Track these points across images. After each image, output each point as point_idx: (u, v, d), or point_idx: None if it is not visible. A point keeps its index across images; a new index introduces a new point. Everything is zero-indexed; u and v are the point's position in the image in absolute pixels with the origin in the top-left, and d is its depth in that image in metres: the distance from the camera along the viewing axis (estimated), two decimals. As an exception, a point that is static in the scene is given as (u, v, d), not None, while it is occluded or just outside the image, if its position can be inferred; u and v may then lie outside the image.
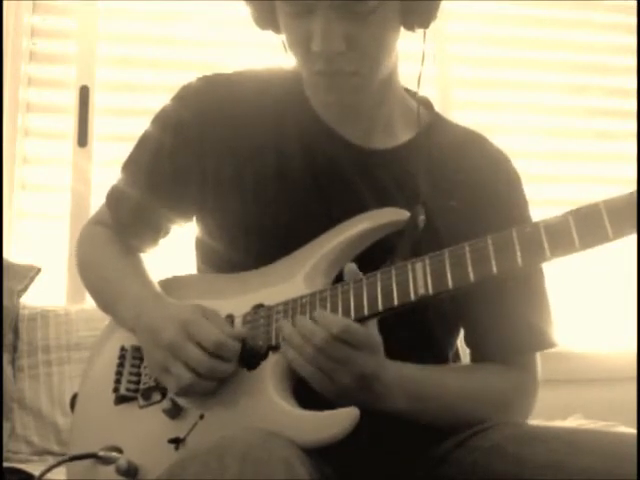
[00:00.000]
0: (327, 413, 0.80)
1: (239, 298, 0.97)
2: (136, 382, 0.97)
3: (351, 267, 0.89)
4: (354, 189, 0.99)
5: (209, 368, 0.86)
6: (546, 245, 0.77)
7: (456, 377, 0.99)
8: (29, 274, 1.94)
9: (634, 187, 0.75)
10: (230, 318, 0.95)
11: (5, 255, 1.95)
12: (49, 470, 0.91)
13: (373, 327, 0.86)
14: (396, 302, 0.83)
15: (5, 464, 1.49)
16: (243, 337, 0.90)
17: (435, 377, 0.95)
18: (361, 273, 0.88)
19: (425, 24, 0.96)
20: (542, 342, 1.02)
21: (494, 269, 0.79)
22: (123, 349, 1.01)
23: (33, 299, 1.96)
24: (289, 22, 0.92)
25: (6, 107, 2.21)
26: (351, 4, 0.87)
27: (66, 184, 2.25)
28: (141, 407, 0.95)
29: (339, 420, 0.79)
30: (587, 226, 0.75)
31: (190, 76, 1.08)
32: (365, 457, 0.92)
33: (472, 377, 1.00)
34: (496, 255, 0.79)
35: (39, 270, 1.96)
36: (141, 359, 0.97)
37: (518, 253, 0.78)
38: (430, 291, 0.82)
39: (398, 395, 0.88)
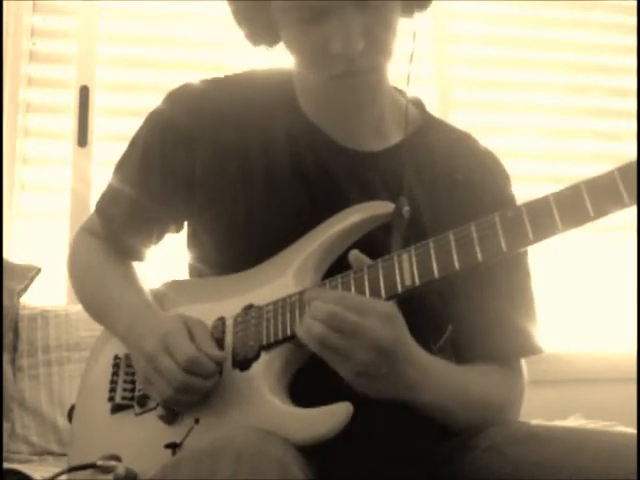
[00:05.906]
0: (320, 409, 0.80)
1: (230, 300, 0.96)
2: (131, 390, 0.97)
3: (355, 254, 0.87)
4: (343, 191, 0.99)
5: (182, 383, 0.86)
6: (529, 227, 0.77)
7: (472, 378, 0.96)
8: (29, 274, 1.94)
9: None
10: (221, 320, 0.95)
11: (5, 255, 1.95)
12: (48, 482, 0.91)
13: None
14: (384, 295, 0.83)
15: (5, 464, 1.48)
16: (220, 361, 0.88)
17: (458, 375, 0.93)
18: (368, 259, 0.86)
19: (424, 5, 0.96)
20: (530, 348, 1.01)
21: (478, 255, 0.79)
22: (117, 358, 1.01)
23: (33, 299, 1.97)
24: (299, 29, 0.90)
25: (6, 107, 2.21)
26: None
27: (66, 184, 2.25)
28: (137, 414, 0.95)
29: (332, 416, 0.78)
30: (568, 206, 0.75)
31: (190, 76, 1.08)
32: (364, 457, 0.91)
33: (481, 379, 0.97)
34: (480, 241, 0.79)
35: (39, 270, 1.96)
36: None
37: (501, 237, 0.78)
38: (417, 281, 0.81)
39: (428, 385, 0.85)
